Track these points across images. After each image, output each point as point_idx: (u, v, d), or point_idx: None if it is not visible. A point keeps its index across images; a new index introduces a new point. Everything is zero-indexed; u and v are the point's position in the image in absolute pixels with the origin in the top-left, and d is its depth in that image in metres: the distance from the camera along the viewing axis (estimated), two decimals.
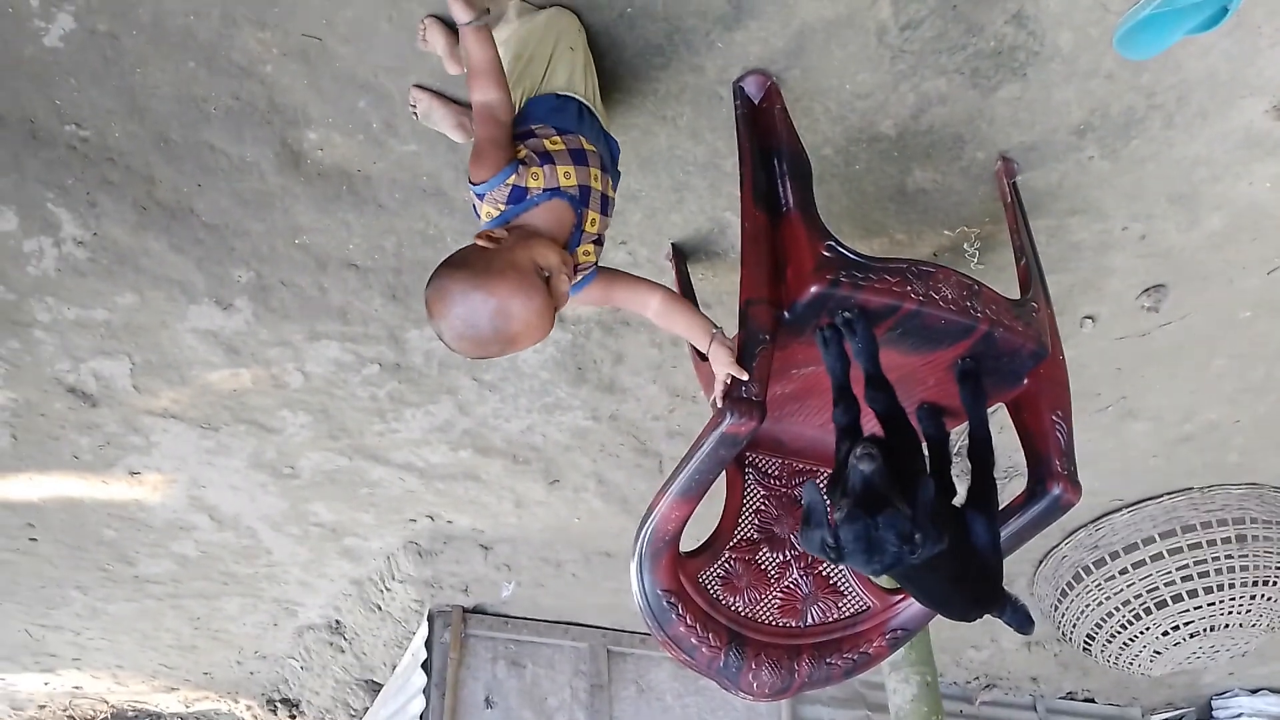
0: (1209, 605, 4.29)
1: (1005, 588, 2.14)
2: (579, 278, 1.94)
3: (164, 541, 4.15)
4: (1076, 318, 3.12)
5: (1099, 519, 4.34)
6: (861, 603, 2.35)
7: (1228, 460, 3.98)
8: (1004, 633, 5.22)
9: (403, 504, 3.97)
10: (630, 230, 2.74)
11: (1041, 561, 4.65)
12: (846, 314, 1.98)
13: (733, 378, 1.93)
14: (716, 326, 2.02)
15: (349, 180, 2.57)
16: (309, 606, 4.90)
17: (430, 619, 4.55)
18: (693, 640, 2.17)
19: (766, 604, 2.28)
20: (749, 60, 2.28)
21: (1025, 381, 2.31)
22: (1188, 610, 4.33)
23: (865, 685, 5.19)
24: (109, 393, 3.22)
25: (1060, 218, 2.74)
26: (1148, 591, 4.35)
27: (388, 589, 4.57)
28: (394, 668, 5.02)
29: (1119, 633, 4.56)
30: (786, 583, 2.31)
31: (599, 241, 1.99)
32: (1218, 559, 4.20)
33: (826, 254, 2.00)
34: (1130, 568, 4.35)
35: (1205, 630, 4.40)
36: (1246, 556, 4.19)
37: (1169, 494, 4.20)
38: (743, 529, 2.31)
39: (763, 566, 2.30)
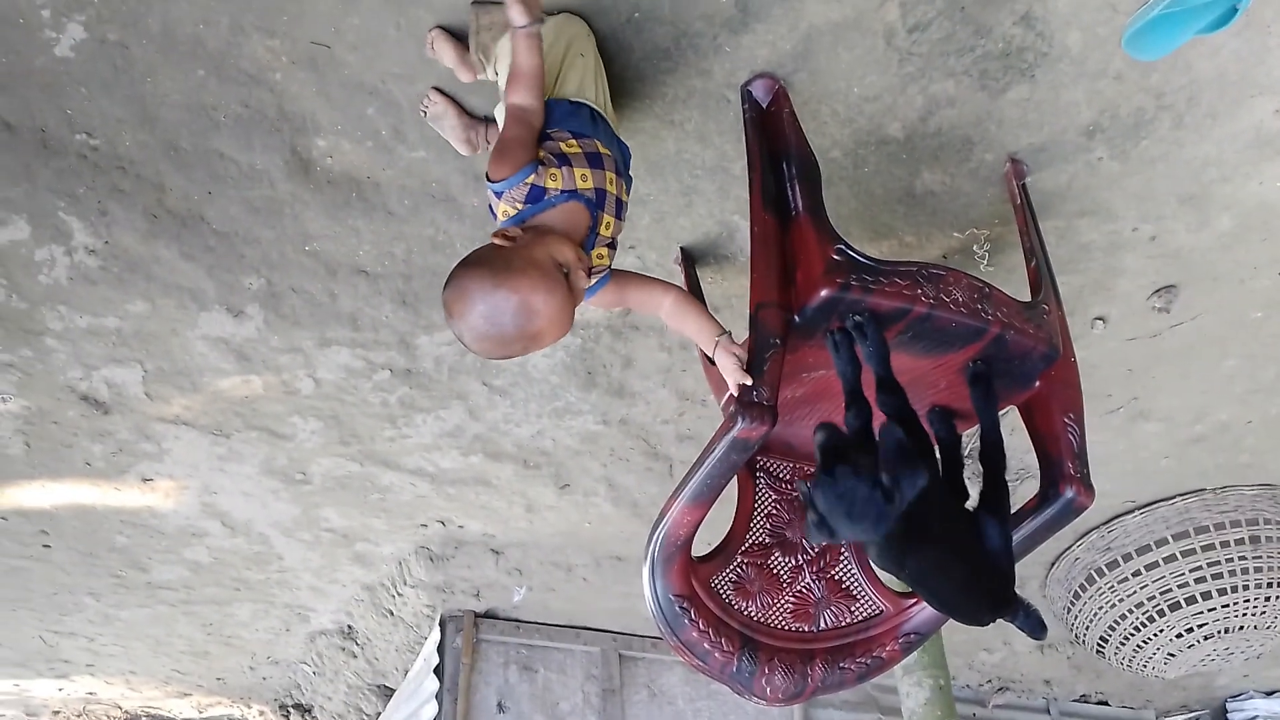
0: (1223, 607, 4.26)
1: (1018, 592, 2.13)
2: (593, 280, 1.94)
3: (176, 548, 4.17)
4: (1087, 319, 3.11)
5: (1111, 521, 4.32)
6: (874, 607, 2.34)
7: (1240, 461, 3.96)
8: (1016, 636, 5.21)
9: (414, 509, 3.98)
10: (639, 234, 2.74)
11: (1054, 564, 4.63)
12: (857, 317, 1.98)
13: (731, 396, 1.93)
14: (725, 330, 2.01)
15: (358, 187, 2.58)
16: (321, 612, 4.91)
17: (442, 624, 4.55)
18: (705, 645, 2.16)
19: (779, 608, 2.27)
20: (756, 64, 2.28)
21: (1037, 384, 2.30)
22: (1201, 612, 4.30)
23: (878, 689, 5.17)
24: (121, 400, 3.23)
25: (1070, 219, 2.73)
26: (1161, 593, 4.33)
27: (399, 594, 4.58)
28: (406, 673, 5.02)
29: (1132, 635, 4.53)
30: (799, 587, 2.31)
31: (613, 245, 1.99)
32: (1231, 560, 4.18)
33: (836, 257, 1.99)
34: (1143, 569, 4.32)
35: (1219, 632, 4.37)
36: (1260, 558, 4.17)
37: (1181, 495, 4.18)
38: (755, 533, 2.31)
39: (775, 571, 2.29)
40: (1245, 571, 4.18)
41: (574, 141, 1.92)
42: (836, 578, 2.34)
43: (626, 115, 2.38)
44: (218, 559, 4.29)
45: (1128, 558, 4.34)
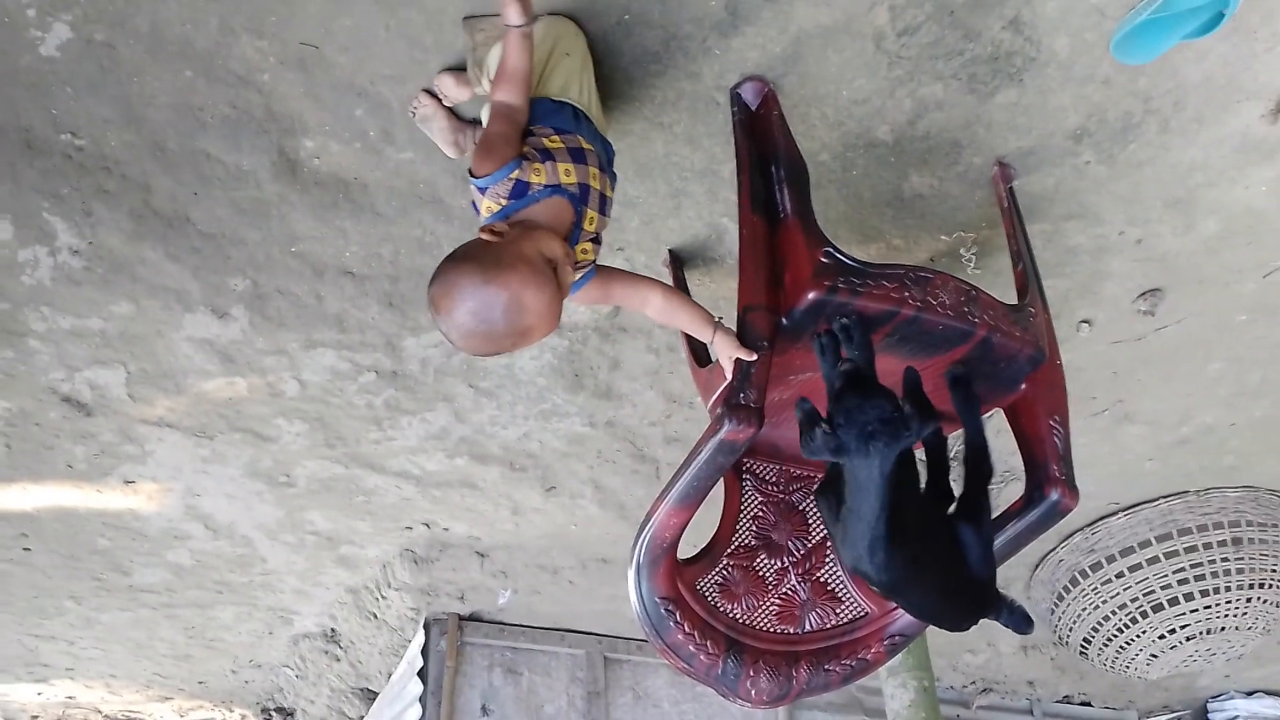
0: (1205, 608, 4.29)
1: (1001, 591, 2.14)
2: (578, 275, 1.94)
3: (159, 551, 4.14)
4: (1073, 322, 3.12)
5: (1095, 523, 4.35)
6: (859, 609, 2.35)
7: (1223, 464, 3.99)
8: (1000, 637, 5.23)
9: (399, 512, 3.96)
10: (628, 237, 2.74)
11: (1038, 565, 4.65)
12: (844, 320, 1.98)
13: (734, 373, 1.95)
14: (718, 317, 2.04)
15: (346, 188, 2.57)
16: (304, 615, 4.89)
17: (426, 627, 4.54)
18: (691, 648, 2.16)
19: (764, 611, 2.27)
20: (746, 66, 2.28)
21: (1023, 386, 2.31)
22: (1184, 613, 4.33)
23: (863, 691, 5.18)
24: (104, 402, 3.21)
25: (1057, 222, 2.75)
26: (1144, 595, 4.35)
27: (383, 597, 4.56)
28: (390, 676, 5.00)
29: (1115, 636, 4.56)
30: (784, 589, 2.31)
31: (597, 240, 1.99)
32: (1214, 562, 4.21)
33: (824, 260, 2.00)
34: (1127, 571, 4.35)
35: (1201, 633, 4.40)
36: (1242, 559, 4.20)
37: (1165, 497, 4.21)
38: (740, 535, 2.31)
39: (760, 573, 2.29)
40: (1228, 573, 4.21)
41: (556, 137, 1.92)
42: (822, 580, 2.35)
43: (615, 118, 2.38)
44: (200, 562, 4.27)
45: (1111, 559, 4.37)
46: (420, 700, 4.39)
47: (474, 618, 4.65)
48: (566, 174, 1.88)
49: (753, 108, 2.31)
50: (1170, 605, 4.33)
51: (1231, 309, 3.10)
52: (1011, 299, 2.37)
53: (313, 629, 5.05)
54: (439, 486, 3.80)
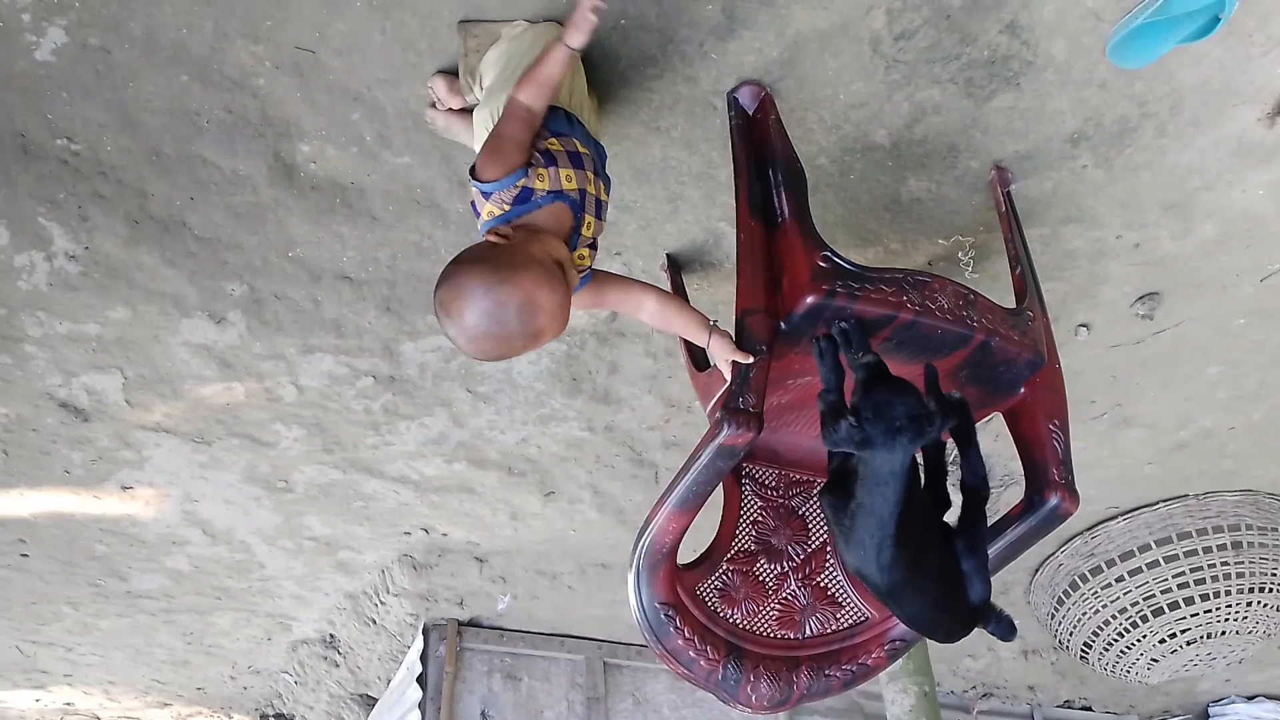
0: (1205, 612, 4.28)
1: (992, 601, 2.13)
2: (577, 281, 1.93)
3: (156, 556, 4.13)
4: (1071, 326, 3.12)
5: (1095, 527, 4.34)
6: (860, 614, 2.34)
7: (1223, 467, 3.98)
8: (1000, 642, 5.21)
9: (397, 517, 3.95)
10: (625, 241, 2.74)
11: (1038, 570, 4.64)
12: (843, 324, 1.98)
13: (731, 376, 1.94)
14: (713, 320, 2.03)
15: (342, 193, 2.57)
16: (303, 621, 4.88)
17: (425, 632, 4.53)
18: (691, 653, 2.15)
19: (764, 616, 2.26)
20: (743, 71, 2.28)
21: (1022, 390, 2.31)
22: (1184, 618, 4.32)
23: (863, 696, 5.17)
24: (101, 407, 3.20)
25: (1054, 226, 2.74)
26: (1144, 599, 4.34)
27: (382, 603, 4.55)
28: (389, 682, 4.99)
29: (1116, 640, 4.55)
30: (784, 594, 2.30)
31: (594, 245, 1.99)
32: (1214, 566, 4.20)
33: (822, 264, 1.99)
34: (1126, 575, 4.34)
35: (1202, 637, 4.39)
36: (1242, 564, 4.19)
37: (1164, 501, 4.20)
38: (740, 540, 2.30)
39: (760, 578, 2.29)
40: (1228, 577, 4.21)
41: (555, 140, 1.91)
42: (822, 585, 2.34)
43: (612, 122, 2.38)
44: (198, 567, 4.26)
45: (1111, 564, 4.36)
46: (419, 706, 4.38)
47: (473, 623, 4.64)
48: (568, 179, 1.87)
49: (750, 112, 2.30)
50: (1170, 609, 4.32)
51: (1230, 313, 3.10)
52: (1010, 303, 2.36)
53: (311, 635, 5.04)
54: (437, 492, 3.79)
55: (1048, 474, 2.22)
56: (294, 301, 2.87)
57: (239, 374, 3.11)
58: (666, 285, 2.75)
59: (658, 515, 2.03)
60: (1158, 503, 4.20)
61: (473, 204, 1.89)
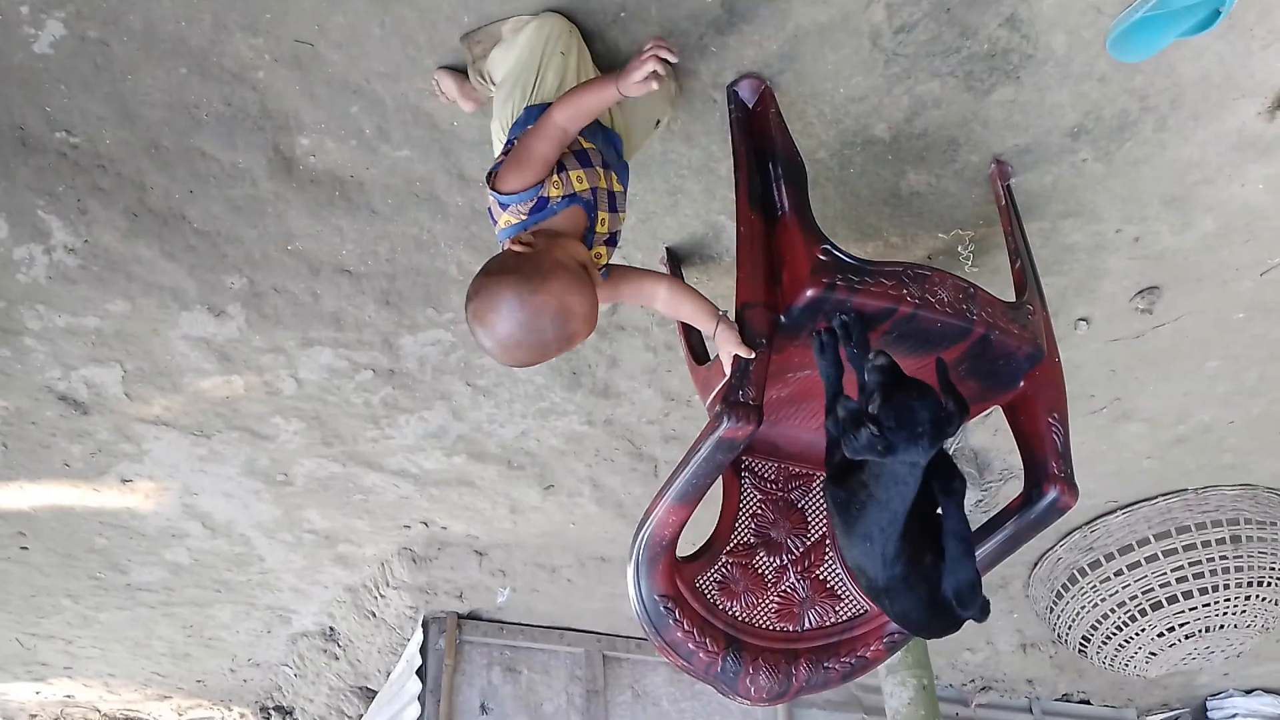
0: (1204, 606, 4.29)
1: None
2: (599, 279, 1.97)
3: (156, 549, 4.13)
4: (1071, 320, 3.12)
5: (1094, 520, 4.34)
6: (859, 606, 2.34)
7: (1222, 461, 3.99)
8: (999, 635, 5.22)
9: (397, 510, 3.96)
10: (625, 234, 2.73)
11: (1037, 564, 4.64)
12: (843, 317, 1.98)
13: (732, 370, 1.95)
14: (721, 310, 2.06)
15: (341, 186, 2.56)
16: (303, 613, 4.88)
17: (425, 625, 4.53)
18: (690, 645, 2.16)
19: (763, 608, 2.27)
20: (743, 64, 2.28)
21: (1021, 384, 2.30)
22: (1183, 611, 4.33)
23: (862, 689, 5.18)
24: (100, 400, 3.20)
25: (1054, 220, 2.74)
26: (1143, 593, 4.35)
27: (382, 595, 4.55)
28: (388, 674, 4.99)
29: (1114, 634, 4.55)
30: (783, 587, 2.30)
31: (611, 241, 2.02)
32: (1212, 560, 4.20)
33: (822, 258, 1.99)
34: (1125, 569, 4.34)
35: (1200, 631, 4.40)
36: (1241, 557, 4.20)
37: (1163, 495, 4.20)
38: (739, 533, 2.30)
39: (760, 571, 2.29)
40: (1226, 571, 4.21)
41: None
42: (821, 578, 2.34)
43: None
44: (198, 560, 4.26)
45: (1110, 557, 4.36)
46: (419, 699, 4.39)
47: (473, 616, 4.64)
48: (579, 181, 1.90)
49: (750, 105, 2.30)
50: (1169, 603, 4.33)
51: (1229, 307, 3.10)
52: (1009, 296, 2.36)
53: (311, 628, 5.04)
54: (437, 485, 3.79)
55: (1047, 467, 2.22)
56: (293, 295, 2.87)
57: (238, 367, 3.11)
58: None
59: (657, 508, 2.03)
60: (1156, 497, 4.21)
61: (489, 210, 1.92)
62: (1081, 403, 3.49)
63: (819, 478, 2.39)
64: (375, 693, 5.26)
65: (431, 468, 3.68)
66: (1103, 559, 4.38)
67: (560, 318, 1.72)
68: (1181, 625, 4.39)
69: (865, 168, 2.56)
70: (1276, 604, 4.37)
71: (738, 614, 2.23)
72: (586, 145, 1.96)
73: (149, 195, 2.55)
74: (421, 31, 2.19)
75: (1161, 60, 2.29)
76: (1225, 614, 4.32)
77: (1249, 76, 2.34)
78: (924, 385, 1.84)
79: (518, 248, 1.79)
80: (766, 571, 2.30)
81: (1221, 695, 6.21)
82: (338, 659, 5.18)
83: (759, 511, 2.35)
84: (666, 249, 2.79)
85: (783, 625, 2.28)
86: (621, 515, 3.98)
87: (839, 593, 2.34)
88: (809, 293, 1.95)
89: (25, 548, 4.03)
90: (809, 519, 2.39)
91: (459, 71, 2.26)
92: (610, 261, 2.06)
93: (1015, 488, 2.31)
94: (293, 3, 2.12)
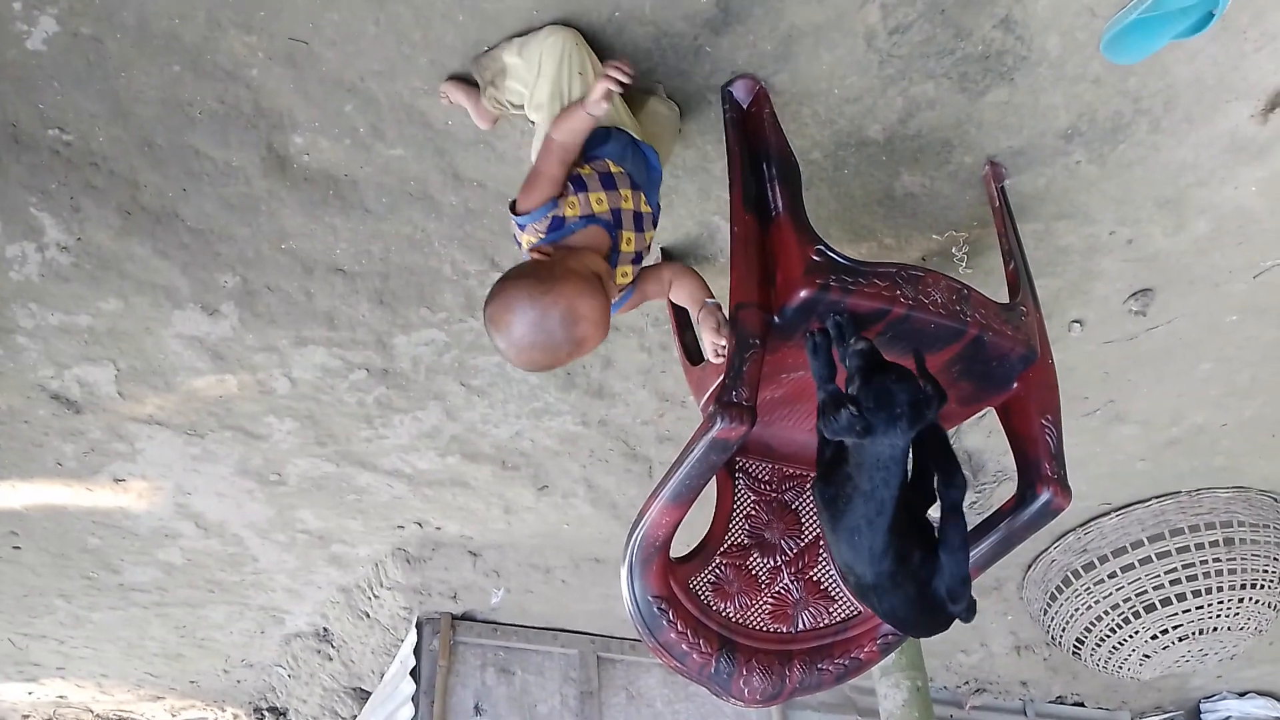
0: (1197, 609, 4.29)
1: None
2: (618, 296, 2.06)
3: (149, 549, 4.12)
4: (1064, 322, 3.12)
5: (1088, 523, 4.35)
6: (853, 608, 2.34)
7: (1215, 464, 3.99)
8: (994, 638, 5.22)
9: (391, 510, 3.95)
10: None
11: (1031, 566, 4.65)
12: (837, 318, 1.98)
13: (726, 375, 1.95)
14: (713, 297, 2.13)
15: (335, 185, 2.56)
16: (296, 614, 4.87)
17: (419, 626, 4.52)
18: (684, 646, 2.16)
19: (757, 609, 2.27)
20: (737, 64, 2.28)
21: (1014, 385, 2.30)
22: (1176, 614, 4.33)
23: (856, 690, 5.17)
24: (93, 399, 3.19)
25: (1047, 222, 2.75)
26: (1136, 595, 4.35)
27: (376, 596, 4.54)
28: (382, 675, 4.98)
29: (1108, 636, 4.55)
30: (777, 588, 2.30)
31: (638, 260, 2.08)
32: (1205, 562, 4.21)
33: (816, 258, 1.99)
34: (1119, 571, 4.35)
35: (1194, 633, 4.40)
36: (1234, 559, 4.20)
37: (1157, 498, 4.21)
38: (733, 534, 2.30)
39: (753, 572, 2.29)
40: (1220, 573, 4.21)
41: (587, 165, 2.00)
42: (815, 579, 2.34)
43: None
44: (191, 560, 4.25)
45: (1104, 560, 4.37)
46: (413, 700, 4.37)
47: (467, 617, 4.63)
48: (599, 202, 1.97)
49: (744, 105, 2.30)
50: (1163, 605, 4.33)
51: (1222, 309, 3.10)
52: (1003, 298, 2.36)
53: (305, 628, 5.03)
54: (431, 485, 3.78)
55: (1040, 469, 2.22)
56: (287, 294, 2.86)
57: (231, 366, 3.11)
58: None
59: (651, 509, 2.03)
60: (1150, 499, 4.21)
61: (514, 236, 2.00)
62: (1075, 405, 3.49)
63: (813, 479, 2.38)
64: (369, 694, 5.25)
65: (425, 468, 3.68)
66: (1096, 561, 4.39)
67: (569, 319, 1.79)
68: (1175, 628, 4.39)
69: (859, 169, 2.56)
70: (1270, 606, 4.37)
71: (731, 615, 2.23)
72: (615, 170, 2.02)
73: (142, 193, 2.54)
74: (416, 29, 2.19)
75: (1155, 62, 2.29)
76: (1219, 616, 4.32)
77: (1242, 79, 2.35)
78: (903, 369, 1.86)
79: (536, 255, 1.89)
80: (760, 573, 2.30)
81: (1215, 698, 6.21)
82: (331, 660, 5.16)
83: (753, 513, 2.35)
84: (661, 249, 2.79)
85: (776, 627, 2.28)
86: (616, 516, 3.98)
87: (833, 594, 2.34)
88: (802, 293, 1.95)
89: (17, 547, 4.01)
90: (803, 520, 2.39)
91: (469, 84, 2.28)
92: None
93: (1009, 490, 2.31)
94: (287, 0, 2.12)
